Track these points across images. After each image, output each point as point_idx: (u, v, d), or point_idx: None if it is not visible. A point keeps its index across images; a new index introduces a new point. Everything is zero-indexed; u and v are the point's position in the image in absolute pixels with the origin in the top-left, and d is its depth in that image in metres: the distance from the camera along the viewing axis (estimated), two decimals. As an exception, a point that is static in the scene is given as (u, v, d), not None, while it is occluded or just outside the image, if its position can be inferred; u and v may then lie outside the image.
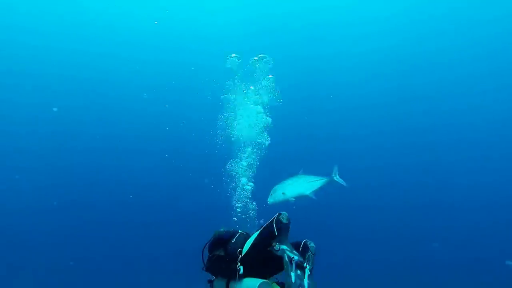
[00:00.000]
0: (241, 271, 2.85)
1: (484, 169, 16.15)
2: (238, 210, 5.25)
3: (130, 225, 14.03)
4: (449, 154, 16.42)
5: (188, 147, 15.25)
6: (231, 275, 2.90)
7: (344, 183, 6.76)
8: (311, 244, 2.89)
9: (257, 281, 2.75)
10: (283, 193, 6.46)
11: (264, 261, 2.89)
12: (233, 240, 3.12)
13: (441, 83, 16.69)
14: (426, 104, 16.74)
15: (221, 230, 3.29)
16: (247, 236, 3.12)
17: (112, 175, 15.75)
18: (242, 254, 2.92)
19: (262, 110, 6.25)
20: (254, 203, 5.29)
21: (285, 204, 6.33)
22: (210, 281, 3.16)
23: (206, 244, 3.27)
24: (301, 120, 15.87)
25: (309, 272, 2.71)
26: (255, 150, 6.03)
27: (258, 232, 3.00)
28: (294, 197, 6.40)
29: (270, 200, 6.78)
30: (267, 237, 2.86)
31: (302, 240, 2.95)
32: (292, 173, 6.65)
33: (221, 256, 3.10)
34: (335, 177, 6.83)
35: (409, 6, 16.05)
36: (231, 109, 6.26)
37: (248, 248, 2.93)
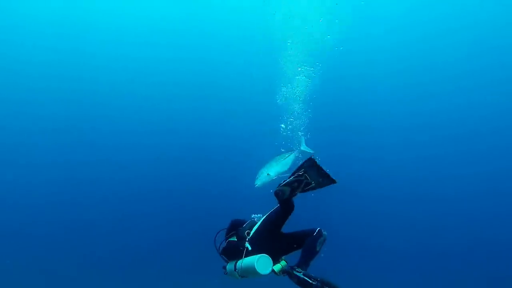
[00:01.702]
0: (249, 249, 3.29)
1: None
2: None
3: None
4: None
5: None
6: (240, 255, 3.34)
7: (311, 151, 7.50)
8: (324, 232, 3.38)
9: (257, 256, 3.15)
10: (267, 174, 7.26)
11: (268, 241, 3.38)
12: (244, 225, 3.64)
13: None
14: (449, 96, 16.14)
15: (236, 218, 3.83)
16: (256, 223, 3.62)
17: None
18: (250, 236, 3.42)
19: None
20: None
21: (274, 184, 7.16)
22: (224, 267, 3.64)
23: (218, 231, 3.79)
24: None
25: None
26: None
27: (264, 217, 3.56)
28: (276, 177, 7.21)
29: (257, 183, 7.55)
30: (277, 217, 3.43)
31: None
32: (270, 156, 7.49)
33: (233, 241, 3.62)
34: (302, 148, 7.66)
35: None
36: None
37: (254, 231, 3.46)
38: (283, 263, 3.28)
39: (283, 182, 3.39)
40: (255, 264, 3.05)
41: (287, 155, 7.31)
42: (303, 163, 3.36)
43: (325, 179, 3.31)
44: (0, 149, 14.31)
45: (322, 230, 3.36)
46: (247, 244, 3.32)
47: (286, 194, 3.33)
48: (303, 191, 3.38)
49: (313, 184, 3.35)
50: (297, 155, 7.38)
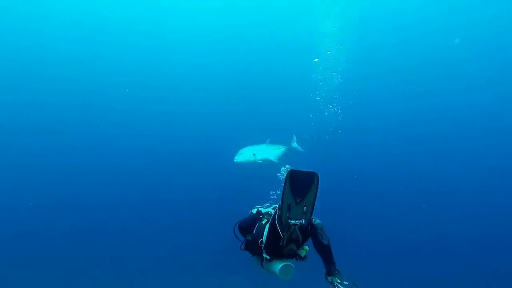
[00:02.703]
0: (268, 258, 3.29)
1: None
2: None
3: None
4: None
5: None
6: (262, 257, 3.37)
7: (301, 150, 7.75)
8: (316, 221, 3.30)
9: (280, 264, 3.21)
10: (253, 154, 7.30)
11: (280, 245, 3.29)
12: (254, 231, 3.48)
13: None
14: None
15: (242, 220, 3.71)
16: (264, 225, 3.48)
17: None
18: (263, 244, 3.35)
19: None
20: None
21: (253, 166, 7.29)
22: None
23: (234, 227, 3.71)
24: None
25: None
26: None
27: (269, 223, 3.42)
28: (262, 161, 7.32)
29: (237, 159, 7.53)
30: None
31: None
32: (258, 141, 7.47)
33: (250, 240, 3.58)
34: (293, 145, 7.72)
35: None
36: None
37: (265, 240, 3.36)
38: (306, 248, 3.33)
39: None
40: (278, 274, 3.16)
41: (279, 147, 7.43)
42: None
43: (308, 191, 3.03)
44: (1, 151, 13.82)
45: (312, 220, 3.22)
46: (264, 255, 3.31)
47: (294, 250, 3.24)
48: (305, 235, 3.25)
49: (304, 220, 3.07)
50: (286, 152, 7.52)
